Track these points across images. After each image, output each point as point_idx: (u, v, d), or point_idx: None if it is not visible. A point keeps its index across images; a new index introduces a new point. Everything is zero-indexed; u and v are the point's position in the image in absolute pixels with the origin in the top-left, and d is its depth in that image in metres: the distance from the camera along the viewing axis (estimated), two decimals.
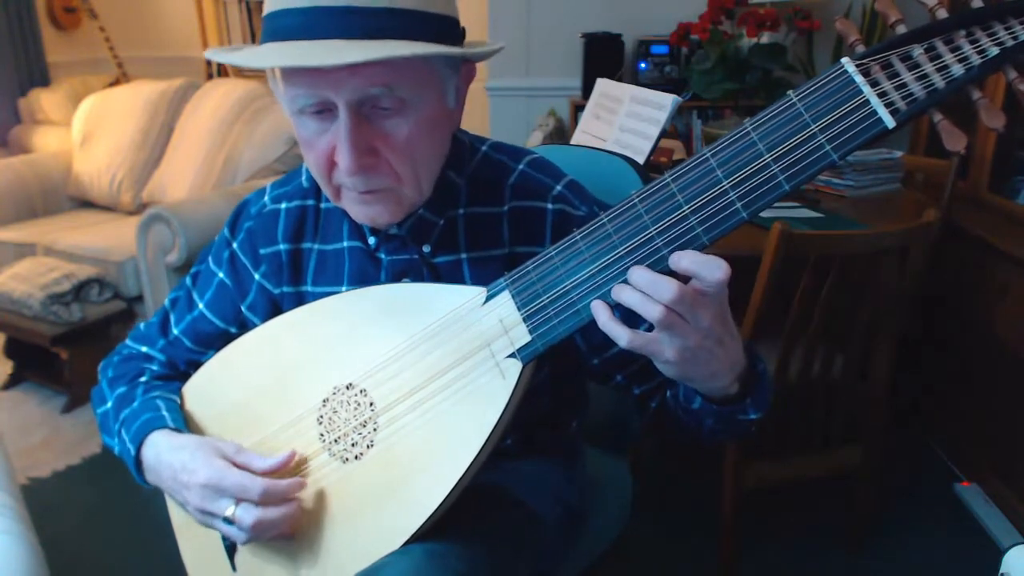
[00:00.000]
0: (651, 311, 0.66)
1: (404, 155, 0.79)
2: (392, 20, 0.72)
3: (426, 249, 0.90)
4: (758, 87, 2.58)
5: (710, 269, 0.65)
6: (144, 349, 1.05)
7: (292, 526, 0.84)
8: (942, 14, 0.61)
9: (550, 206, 0.91)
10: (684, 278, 0.66)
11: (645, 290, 0.67)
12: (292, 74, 0.74)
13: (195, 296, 1.02)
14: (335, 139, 0.77)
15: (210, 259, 1.02)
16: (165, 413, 0.93)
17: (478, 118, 3.49)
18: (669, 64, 2.99)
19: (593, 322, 0.71)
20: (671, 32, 2.89)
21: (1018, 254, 1.93)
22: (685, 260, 0.66)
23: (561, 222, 0.90)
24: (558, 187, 0.92)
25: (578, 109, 2.92)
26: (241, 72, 4.49)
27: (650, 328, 0.68)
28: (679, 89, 2.67)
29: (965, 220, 2.14)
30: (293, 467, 0.86)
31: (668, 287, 0.65)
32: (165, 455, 0.89)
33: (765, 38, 2.60)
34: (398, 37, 0.72)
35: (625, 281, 0.68)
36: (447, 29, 0.78)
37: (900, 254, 1.61)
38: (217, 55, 0.78)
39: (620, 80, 2.27)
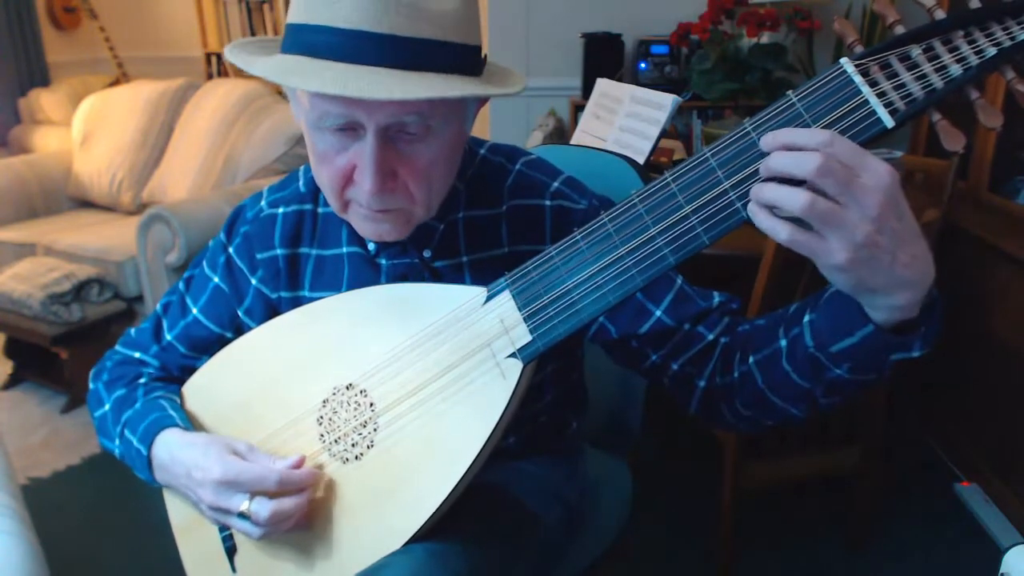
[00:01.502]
0: (794, 200, 0.58)
1: (423, 179, 0.79)
2: (434, 52, 0.72)
3: (427, 254, 0.91)
4: (758, 87, 2.57)
5: (809, 135, 0.59)
6: (137, 355, 1.05)
7: (305, 519, 0.84)
8: (940, 15, 0.61)
9: (548, 203, 0.91)
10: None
11: (785, 172, 0.59)
12: (326, 95, 0.72)
13: (188, 301, 1.02)
14: (356, 159, 0.77)
15: (204, 264, 1.02)
16: (172, 412, 0.93)
17: (478, 118, 3.48)
18: (669, 64, 2.99)
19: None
20: (671, 32, 2.88)
21: (1018, 254, 1.93)
22: (781, 136, 0.60)
23: (560, 218, 0.90)
24: (555, 184, 0.92)
25: (578, 109, 2.92)
26: (241, 72, 4.49)
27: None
28: (679, 89, 2.66)
29: (965, 220, 2.14)
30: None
31: (808, 157, 0.58)
32: (178, 452, 0.88)
33: (765, 38, 2.59)
34: (439, 70, 0.72)
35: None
36: (479, 61, 0.79)
37: None
38: (246, 63, 0.75)
39: (620, 80, 2.27)
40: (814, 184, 0.58)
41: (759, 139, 0.63)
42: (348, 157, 0.77)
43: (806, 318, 0.75)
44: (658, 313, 0.87)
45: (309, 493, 0.83)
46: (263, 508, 0.80)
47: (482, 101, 0.85)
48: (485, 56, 0.81)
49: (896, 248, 0.59)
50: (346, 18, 0.70)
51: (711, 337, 0.86)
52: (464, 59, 0.75)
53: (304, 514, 0.84)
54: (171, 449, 0.89)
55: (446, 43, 0.73)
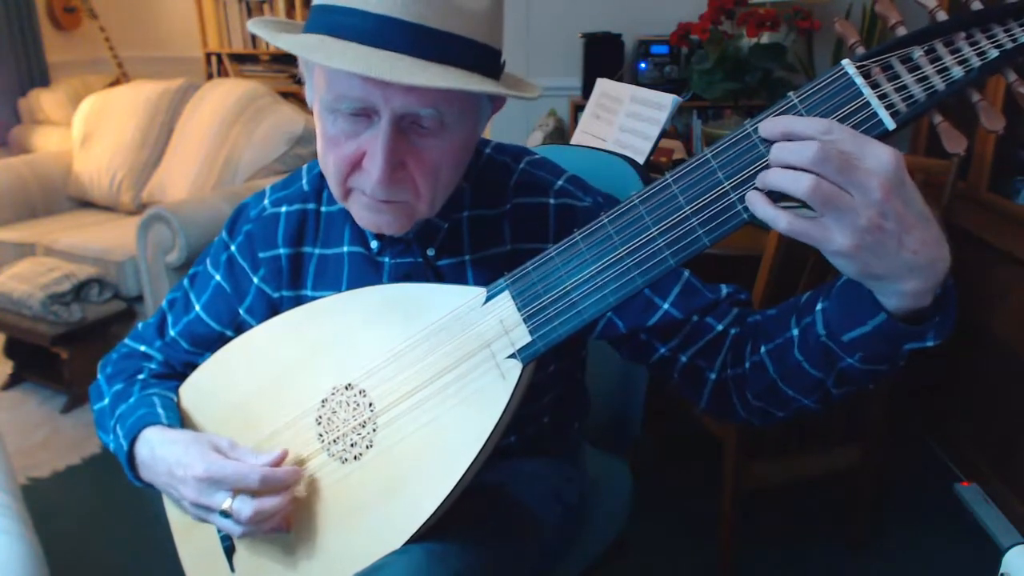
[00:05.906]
0: (798, 183, 0.58)
1: (430, 174, 0.79)
2: (459, 48, 0.73)
3: (430, 252, 0.91)
4: (758, 87, 2.57)
5: (807, 123, 0.59)
6: (143, 348, 1.06)
7: (287, 519, 0.84)
8: (942, 16, 0.61)
9: (552, 201, 0.91)
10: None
11: (787, 161, 0.59)
12: (345, 75, 0.73)
13: (192, 298, 1.02)
14: (367, 146, 0.77)
15: (208, 261, 1.02)
16: (160, 410, 0.93)
17: None
18: (669, 64, 2.99)
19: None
20: (671, 32, 2.88)
21: (1018, 254, 1.93)
22: (780, 123, 0.61)
23: (564, 215, 0.91)
24: (559, 182, 0.93)
25: (578, 109, 2.92)
26: (241, 72, 4.49)
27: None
28: (679, 89, 2.66)
29: (965, 220, 2.14)
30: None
31: (807, 146, 0.58)
32: (159, 450, 0.89)
33: (765, 38, 2.59)
34: (462, 65, 0.73)
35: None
36: (499, 64, 0.79)
37: None
38: (271, 36, 0.75)
39: (620, 80, 2.27)
40: (815, 172, 0.58)
41: (760, 131, 0.63)
42: (358, 143, 0.77)
43: (818, 306, 0.74)
44: (665, 306, 0.88)
45: (291, 493, 0.83)
46: (245, 507, 0.81)
47: (496, 106, 0.85)
48: (504, 63, 0.81)
49: (902, 233, 0.59)
50: (376, 3, 0.70)
51: (720, 328, 0.86)
52: (486, 60, 0.76)
53: (293, 514, 0.84)
54: (152, 447, 0.90)
55: (472, 41, 0.73)
